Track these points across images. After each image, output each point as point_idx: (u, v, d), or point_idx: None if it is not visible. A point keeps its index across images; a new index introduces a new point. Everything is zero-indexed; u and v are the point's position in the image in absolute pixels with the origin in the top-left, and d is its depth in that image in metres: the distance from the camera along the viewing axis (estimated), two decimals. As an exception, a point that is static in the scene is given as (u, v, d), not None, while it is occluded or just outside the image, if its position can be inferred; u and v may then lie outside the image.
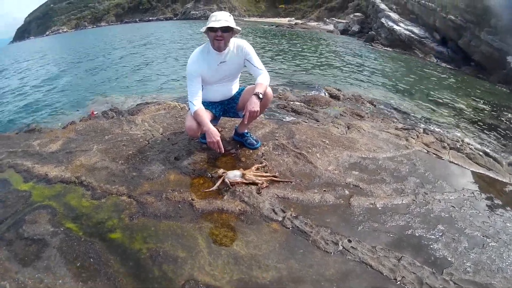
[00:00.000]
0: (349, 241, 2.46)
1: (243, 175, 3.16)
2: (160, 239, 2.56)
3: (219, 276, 2.22)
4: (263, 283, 2.17)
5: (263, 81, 3.38)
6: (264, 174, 3.27)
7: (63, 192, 3.31)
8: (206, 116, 3.43)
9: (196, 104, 3.40)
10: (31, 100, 15.29)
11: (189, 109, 3.57)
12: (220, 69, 3.47)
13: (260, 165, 3.44)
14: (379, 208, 2.84)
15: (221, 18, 3.08)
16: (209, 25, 3.09)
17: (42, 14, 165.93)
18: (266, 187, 3.07)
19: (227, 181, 3.08)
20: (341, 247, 2.41)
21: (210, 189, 3.10)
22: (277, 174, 3.31)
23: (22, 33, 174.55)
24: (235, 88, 3.83)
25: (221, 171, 3.23)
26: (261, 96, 3.28)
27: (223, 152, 3.45)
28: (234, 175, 3.16)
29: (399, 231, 2.60)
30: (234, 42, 3.40)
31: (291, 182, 3.22)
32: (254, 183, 3.09)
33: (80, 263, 2.39)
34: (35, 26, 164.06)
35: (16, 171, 3.87)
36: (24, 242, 2.63)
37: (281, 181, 3.18)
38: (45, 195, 3.31)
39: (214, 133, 3.33)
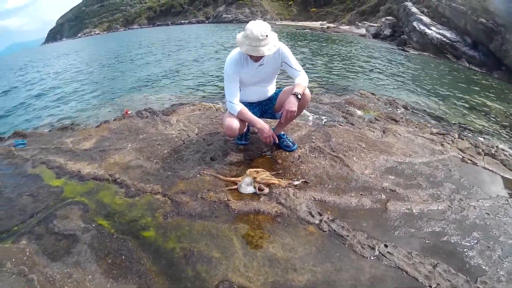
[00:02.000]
0: (386, 246, 2.51)
1: (254, 180, 3.31)
2: (194, 238, 2.69)
3: (254, 278, 2.30)
4: (298, 286, 2.24)
5: (302, 82, 3.50)
6: (273, 179, 3.37)
7: (96, 189, 3.54)
8: (252, 114, 3.60)
9: (238, 104, 3.56)
10: (64, 99, 16.16)
11: (226, 109, 3.74)
12: (258, 72, 3.62)
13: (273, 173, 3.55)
14: (415, 214, 2.90)
15: (259, 44, 3.17)
16: (247, 52, 3.28)
17: (74, 16, 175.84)
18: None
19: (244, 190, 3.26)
20: (377, 252, 2.46)
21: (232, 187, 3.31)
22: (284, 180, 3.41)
23: (54, 35, 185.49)
24: (272, 89, 3.97)
25: (241, 179, 3.37)
26: (299, 96, 3.41)
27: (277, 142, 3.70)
28: (246, 183, 3.29)
29: (435, 237, 2.64)
30: None
31: (301, 181, 3.37)
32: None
33: (111, 259, 2.54)
34: (67, 28, 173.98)
35: (48, 167, 4.16)
36: (54, 237, 2.83)
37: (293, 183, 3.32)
38: (77, 191, 3.55)
39: (267, 128, 3.52)
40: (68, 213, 3.15)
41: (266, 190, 3.20)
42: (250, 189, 3.24)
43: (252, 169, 3.47)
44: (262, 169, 3.49)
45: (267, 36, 3.16)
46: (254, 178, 3.31)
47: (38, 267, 2.49)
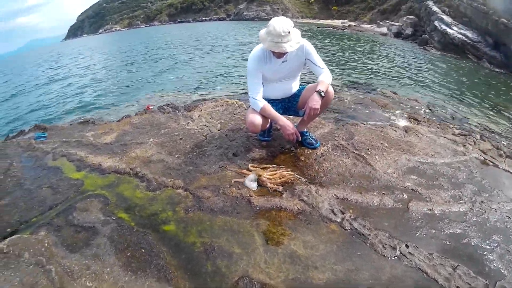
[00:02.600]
0: (407, 246, 2.52)
1: (258, 177, 3.37)
2: (215, 234, 2.73)
3: (274, 274, 2.33)
4: (318, 284, 2.25)
5: (325, 79, 3.52)
6: (277, 176, 3.43)
7: (117, 183, 3.63)
8: (275, 111, 3.64)
9: (261, 100, 3.60)
10: (85, 94, 16.63)
11: (249, 105, 3.78)
12: (281, 68, 3.66)
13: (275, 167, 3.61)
14: (437, 215, 2.90)
15: (281, 40, 3.20)
16: (269, 48, 3.32)
17: (95, 13, 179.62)
18: (274, 190, 3.26)
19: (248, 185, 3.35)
20: (398, 252, 2.48)
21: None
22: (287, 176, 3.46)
23: (75, 31, 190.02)
24: (295, 86, 3.99)
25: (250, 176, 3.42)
26: (323, 94, 3.43)
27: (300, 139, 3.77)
28: (250, 180, 3.37)
29: (456, 239, 2.64)
30: None
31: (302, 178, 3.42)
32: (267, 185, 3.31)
33: (131, 252, 2.60)
34: (88, 24, 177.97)
35: (68, 160, 4.28)
36: (73, 229, 2.91)
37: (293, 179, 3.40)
38: (97, 184, 3.64)
39: (290, 125, 3.55)
40: (88, 205, 3.23)
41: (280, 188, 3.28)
42: (254, 185, 3.32)
43: (256, 166, 3.61)
44: (272, 166, 3.60)
45: (289, 32, 3.18)
46: (259, 175, 3.38)
47: (56, 258, 2.56)
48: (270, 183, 3.31)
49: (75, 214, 3.10)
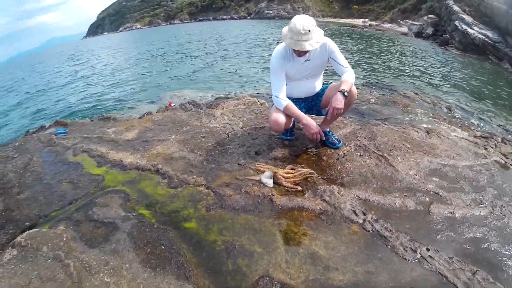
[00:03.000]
0: (427, 249, 2.51)
1: (274, 174, 3.42)
2: (237, 232, 2.74)
3: (295, 274, 2.33)
4: (338, 286, 2.24)
5: (349, 79, 3.52)
6: (294, 175, 3.46)
7: (138, 179, 3.68)
8: (298, 110, 3.65)
9: (284, 99, 3.63)
10: (105, 90, 17.00)
11: (272, 104, 3.81)
12: (304, 67, 3.68)
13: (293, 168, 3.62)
14: (458, 218, 2.88)
15: (301, 38, 3.23)
16: (289, 45, 3.36)
17: (115, 11, 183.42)
18: (292, 188, 3.30)
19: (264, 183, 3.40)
20: (419, 255, 2.46)
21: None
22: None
23: (95, 29, 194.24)
24: (318, 85, 4.00)
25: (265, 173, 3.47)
26: (346, 93, 3.43)
27: (323, 139, 3.78)
28: (266, 177, 3.41)
29: (476, 243, 2.61)
30: None
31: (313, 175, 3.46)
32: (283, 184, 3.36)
33: (150, 249, 2.62)
34: (108, 22, 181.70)
35: (89, 156, 4.36)
36: (93, 224, 2.95)
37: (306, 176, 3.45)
38: (118, 180, 3.69)
39: (314, 124, 3.57)
40: (109, 201, 3.28)
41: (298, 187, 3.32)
42: (270, 182, 3.36)
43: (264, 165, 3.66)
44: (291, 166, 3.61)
45: (309, 30, 3.19)
46: (275, 172, 3.42)
47: (75, 253, 2.59)
48: (286, 181, 3.34)
49: (95, 209, 3.15)
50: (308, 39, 3.22)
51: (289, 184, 3.31)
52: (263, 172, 3.48)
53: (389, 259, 2.43)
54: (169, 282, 2.32)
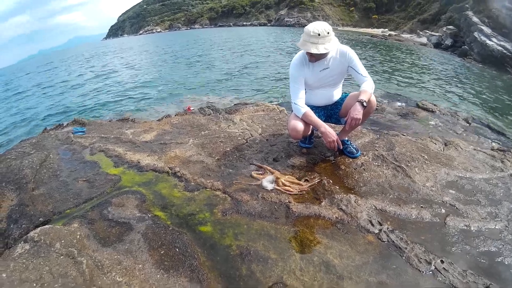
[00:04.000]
0: (442, 262, 2.50)
1: (276, 180, 3.50)
2: (252, 237, 2.76)
3: (309, 282, 2.33)
4: (351, 296, 2.25)
5: (368, 89, 3.53)
6: (296, 182, 3.53)
7: (155, 181, 3.74)
8: (317, 117, 3.66)
9: (303, 106, 3.67)
10: (124, 91, 17.31)
11: (291, 111, 3.85)
12: (323, 75, 3.71)
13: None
14: (473, 231, 2.87)
15: (309, 40, 3.30)
16: (300, 46, 3.42)
17: (136, 14, 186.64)
18: (292, 193, 3.36)
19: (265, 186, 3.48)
20: (433, 267, 2.45)
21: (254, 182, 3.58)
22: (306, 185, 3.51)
23: (116, 31, 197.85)
24: (337, 93, 4.03)
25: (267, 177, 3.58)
26: (365, 104, 3.45)
27: (341, 148, 3.80)
28: (268, 181, 3.50)
29: (490, 257, 2.60)
30: (338, 48, 3.59)
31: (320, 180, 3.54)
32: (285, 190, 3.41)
33: (164, 251, 2.65)
34: (128, 24, 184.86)
35: (106, 156, 4.44)
36: (107, 223, 3.00)
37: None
38: (135, 181, 3.76)
39: (332, 133, 3.57)
40: (124, 201, 3.33)
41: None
42: (269, 186, 3.45)
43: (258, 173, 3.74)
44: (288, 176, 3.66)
45: (319, 34, 3.24)
46: (277, 178, 3.49)
47: (88, 251, 2.63)
48: (283, 188, 3.42)
49: (110, 208, 3.20)
50: (315, 43, 3.27)
51: (283, 188, 3.41)
52: (258, 178, 3.58)
53: (404, 270, 2.43)
54: (182, 284, 2.33)
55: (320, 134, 3.82)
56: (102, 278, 2.36)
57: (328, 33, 3.27)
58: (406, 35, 47.09)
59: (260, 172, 3.75)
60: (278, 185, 3.44)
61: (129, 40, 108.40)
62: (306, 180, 3.56)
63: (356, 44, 34.78)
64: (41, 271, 2.36)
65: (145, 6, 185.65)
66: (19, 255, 2.53)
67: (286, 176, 3.58)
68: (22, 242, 2.68)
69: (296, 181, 3.53)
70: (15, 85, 33.66)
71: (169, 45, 53.34)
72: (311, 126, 3.84)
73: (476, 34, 27.89)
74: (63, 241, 2.68)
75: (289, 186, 3.41)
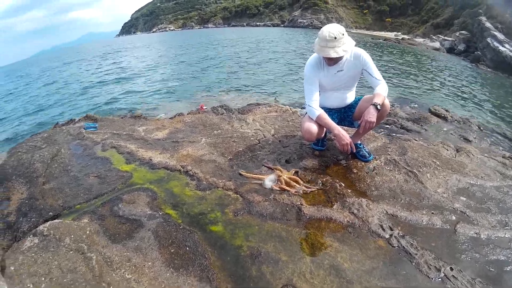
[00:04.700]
0: (451, 269, 2.50)
1: (278, 178, 3.57)
2: (263, 239, 2.77)
3: (318, 285, 2.33)
4: (360, 300, 2.25)
5: (382, 92, 3.53)
6: (298, 181, 3.58)
7: (166, 179, 3.77)
8: (331, 120, 3.66)
9: (317, 108, 3.67)
10: (137, 88, 17.42)
11: (305, 113, 3.85)
12: (337, 77, 3.72)
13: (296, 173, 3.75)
14: (483, 239, 2.85)
15: (326, 45, 3.30)
16: (317, 52, 3.46)
17: (149, 11, 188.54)
18: (296, 193, 3.40)
19: (266, 184, 3.54)
20: (442, 274, 2.45)
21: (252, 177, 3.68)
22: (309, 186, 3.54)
23: (129, 28, 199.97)
24: (351, 96, 4.03)
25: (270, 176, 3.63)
26: (379, 107, 3.45)
27: (354, 151, 3.77)
28: (270, 180, 3.56)
29: (499, 265, 2.58)
30: (352, 50, 3.60)
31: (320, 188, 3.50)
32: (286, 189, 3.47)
33: (175, 249, 2.67)
34: (142, 22, 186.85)
35: (118, 152, 4.48)
36: (118, 220, 3.03)
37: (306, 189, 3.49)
38: (146, 178, 3.79)
39: (345, 136, 3.56)
40: (135, 198, 3.35)
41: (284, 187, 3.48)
42: (269, 185, 3.52)
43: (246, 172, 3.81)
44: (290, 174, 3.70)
45: (335, 38, 3.24)
46: (279, 176, 3.53)
47: (97, 246, 2.65)
48: (280, 186, 3.47)
49: (121, 205, 3.23)
50: (333, 46, 3.28)
51: (281, 187, 3.46)
52: (248, 177, 3.68)
53: (413, 276, 2.43)
54: (191, 283, 2.35)
55: (333, 137, 3.83)
56: (111, 274, 2.37)
57: (343, 34, 3.28)
58: (419, 39, 46.99)
59: (246, 172, 3.81)
60: (280, 183, 3.48)
61: (143, 38, 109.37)
62: (308, 182, 3.60)
63: (369, 47, 34.73)
64: (50, 265, 2.38)
65: (158, 4, 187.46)
66: (28, 249, 2.56)
67: (287, 174, 3.63)
68: (31, 236, 2.71)
69: (297, 180, 3.57)
70: (29, 79, 34.16)
71: (182, 44, 53.63)
72: (324, 129, 3.85)
73: (489, 39, 27.76)
74: (72, 236, 2.70)
75: (285, 185, 3.46)
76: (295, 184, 3.49)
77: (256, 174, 3.74)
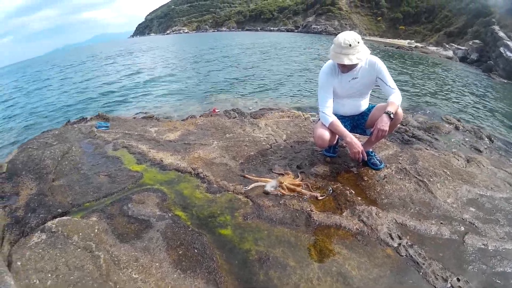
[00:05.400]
0: (458, 280, 2.49)
1: (280, 184, 3.59)
2: (272, 244, 2.78)
3: (325, 292, 2.34)
4: (366, 308, 2.25)
5: (395, 101, 3.53)
6: (297, 184, 3.65)
7: (177, 180, 3.80)
8: (344, 127, 3.67)
9: (331, 115, 3.68)
10: (150, 89, 17.65)
11: (319, 119, 3.87)
12: (351, 85, 3.73)
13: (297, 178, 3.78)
14: (490, 250, 2.84)
15: (341, 52, 3.32)
16: (332, 58, 3.48)
17: (164, 13, 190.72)
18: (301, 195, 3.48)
19: (267, 190, 3.55)
20: (449, 285, 2.44)
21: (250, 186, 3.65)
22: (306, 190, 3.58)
23: (143, 29, 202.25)
24: (365, 104, 4.04)
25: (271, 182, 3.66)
26: (392, 116, 3.45)
27: (366, 159, 3.76)
28: (271, 185, 3.58)
29: (506, 278, 2.57)
30: (367, 58, 3.61)
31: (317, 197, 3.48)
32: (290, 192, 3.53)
33: (183, 251, 2.68)
34: (156, 24, 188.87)
35: (129, 152, 4.52)
36: (127, 219, 3.05)
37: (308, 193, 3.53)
38: (157, 179, 3.82)
39: (357, 144, 3.57)
40: (145, 198, 3.38)
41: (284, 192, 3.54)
42: (270, 189, 3.54)
43: (285, 177, 3.77)
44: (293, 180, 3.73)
45: (350, 45, 3.26)
46: (281, 182, 3.55)
47: (105, 245, 2.68)
48: (281, 191, 3.52)
49: (130, 205, 3.25)
50: (347, 53, 3.29)
51: (284, 191, 3.50)
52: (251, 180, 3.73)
53: (419, 286, 2.43)
54: (198, 286, 2.36)
55: (345, 144, 3.86)
56: (118, 273, 2.39)
57: (358, 42, 3.30)
58: (432, 48, 46.89)
59: (253, 176, 3.85)
60: (282, 189, 3.53)
61: (157, 39, 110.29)
62: (307, 185, 3.64)
63: (382, 54, 34.80)
64: (57, 262, 2.40)
65: (173, 7, 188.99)
66: (35, 244, 2.58)
67: (289, 180, 3.67)
68: (39, 232, 2.74)
69: (297, 184, 3.63)
70: (42, 76, 34.59)
71: (196, 46, 53.97)
72: (337, 136, 3.86)
73: (501, 49, 27.72)
74: (80, 233, 2.73)
75: (285, 189, 3.52)
76: (295, 188, 3.54)
77: (259, 178, 3.77)
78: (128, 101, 15.14)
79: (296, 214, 3.14)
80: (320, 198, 3.42)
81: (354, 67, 3.54)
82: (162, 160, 4.24)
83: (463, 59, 34.17)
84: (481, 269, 2.62)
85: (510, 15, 31.98)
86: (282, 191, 3.49)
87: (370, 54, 3.55)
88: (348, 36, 3.28)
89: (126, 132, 5.37)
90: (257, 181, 3.69)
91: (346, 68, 3.51)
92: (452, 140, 6.84)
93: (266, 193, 3.49)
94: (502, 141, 8.78)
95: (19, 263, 2.38)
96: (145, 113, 10.52)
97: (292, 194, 3.46)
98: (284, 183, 3.56)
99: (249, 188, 3.58)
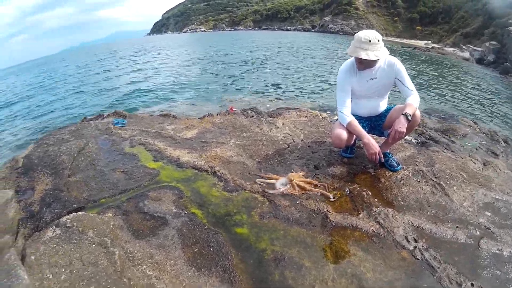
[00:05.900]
0: (472, 285, 2.47)
1: (290, 181, 3.62)
2: (288, 244, 2.77)
3: (339, 294, 2.33)
4: (380, 311, 2.23)
5: (413, 102, 3.52)
6: (308, 181, 3.68)
7: (194, 178, 3.82)
8: (361, 128, 3.67)
9: (348, 115, 3.68)
10: (168, 87, 17.72)
11: (337, 119, 3.88)
12: (369, 85, 3.73)
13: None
14: (505, 256, 2.79)
15: (359, 46, 3.33)
16: (349, 52, 3.46)
17: (180, 12, 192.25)
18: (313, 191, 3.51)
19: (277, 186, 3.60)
20: None
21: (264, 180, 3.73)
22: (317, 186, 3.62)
23: (160, 27, 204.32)
24: (383, 105, 4.02)
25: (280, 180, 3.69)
26: (409, 117, 3.43)
27: (382, 161, 3.73)
28: (281, 183, 3.62)
29: None
30: (386, 59, 3.61)
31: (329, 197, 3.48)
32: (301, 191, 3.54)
33: (198, 249, 2.69)
34: (173, 22, 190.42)
35: (146, 149, 4.56)
36: (142, 216, 3.08)
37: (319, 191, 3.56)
38: (173, 176, 3.84)
39: (375, 145, 3.56)
40: (161, 196, 3.40)
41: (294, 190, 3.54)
42: (280, 187, 3.56)
43: (294, 174, 3.79)
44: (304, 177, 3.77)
45: (369, 41, 3.28)
46: (291, 180, 3.57)
47: (120, 241, 2.70)
48: (291, 191, 3.51)
49: (146, 202, 3.28)
50: (366, 49, 3.30)
51: (293, 191, 3.50)
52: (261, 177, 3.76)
53: (434, 290, 2.41)
54: (213, 284, 2.37)
55: (362, 145, 3.85)
56: (133, 270, 2.41)
57: (378, 40, 3.31)
58: (449, 49, 46.57)
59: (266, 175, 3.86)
60: (292, 187, 3.55)
61: (174, 37, 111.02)
62: (324, 186, 3.62)
63: (399, 55, 34.56)
64: (71, 257, 2.42)
65: (189, 5, 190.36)
66: (50, 239, 2.61)
67: (298, 178, 3.68)
68: (54, 226, 2.76)
69: (307, 181, 3.64)
70: (58, 73, 35.00)
71: (214, 45, 54.11)
72: (354, 136, 3.87)
73: (518, 51, 27.40)
74: (96, 229, 2.75)
75: (296, 190, 3.52)
76: (306, 186, 3.55)
77: (269, 176, 3.78)
78: (145, 98, 15.21)
79: (313, 215, 3.14)
80: (332, 199, 3.40)
81: (372, 66, 3.54)
82: (179, 158, 4.26)
83: (479, 61, 33.84)
84: (495, 275, 2.60)
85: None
86: (292, 190, 3.49)
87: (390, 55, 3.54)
88: (369, 33, 3.32)
89: (143, 129, 5.42)
90: (269, 179, 3.71)
91: (362, 65, 3.51)
92: (469, 142, 6.79)
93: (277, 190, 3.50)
94: (518, 144, 8.71)
95: (33, 257, 2.40)
96: (162, 110, 10.60)
97: (302, 193, 3.46)
98: (294, 180, 3.57)
99: (259, 181, 3.63)
